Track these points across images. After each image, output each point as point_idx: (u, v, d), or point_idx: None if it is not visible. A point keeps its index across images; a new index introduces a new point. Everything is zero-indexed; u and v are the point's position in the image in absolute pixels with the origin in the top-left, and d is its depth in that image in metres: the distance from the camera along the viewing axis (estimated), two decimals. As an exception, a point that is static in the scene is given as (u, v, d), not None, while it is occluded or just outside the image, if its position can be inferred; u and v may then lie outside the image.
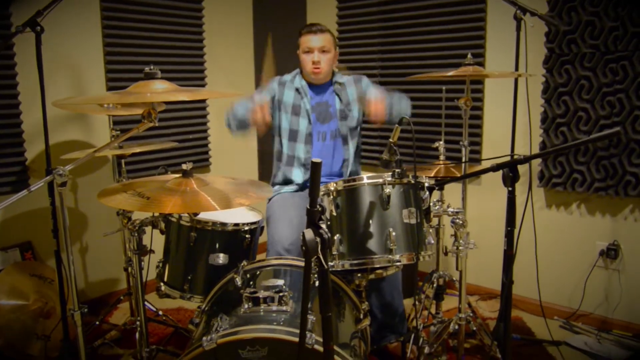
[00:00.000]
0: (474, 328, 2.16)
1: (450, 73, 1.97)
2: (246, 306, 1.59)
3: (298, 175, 2.49)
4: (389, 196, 1.68)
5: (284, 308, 1.58)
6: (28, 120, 2.62)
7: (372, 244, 1.69)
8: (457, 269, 1.97)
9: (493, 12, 2.84)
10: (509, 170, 1.64)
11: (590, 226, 2.67)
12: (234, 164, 3.64)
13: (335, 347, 1.43)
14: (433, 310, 2.50)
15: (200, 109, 3.38)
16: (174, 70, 3.17)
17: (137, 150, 2.33)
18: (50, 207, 2.23)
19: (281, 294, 1.59)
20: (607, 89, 2.46)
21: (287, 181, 2.55)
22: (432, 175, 2.26)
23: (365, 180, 1.71)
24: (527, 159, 1.61)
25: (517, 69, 2.27)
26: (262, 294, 1.60)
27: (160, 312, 2.67)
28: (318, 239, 1.16)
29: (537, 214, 2.70)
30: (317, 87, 2.52)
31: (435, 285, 2.36)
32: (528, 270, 2.32)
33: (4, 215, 2.63)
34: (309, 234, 1.16)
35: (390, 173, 1.70)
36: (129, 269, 2.57)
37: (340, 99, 2.51)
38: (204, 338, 1.44)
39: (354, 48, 3.41)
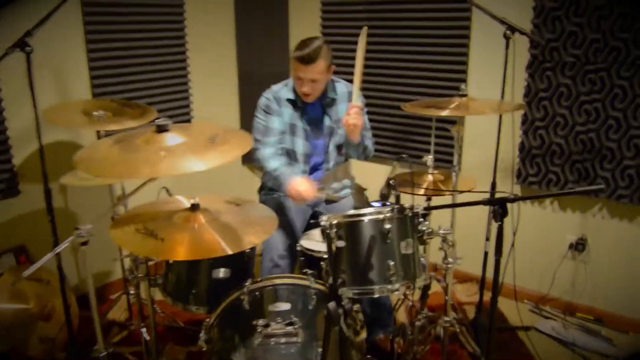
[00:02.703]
0: (457, 330, 2.36)
1: (445, 113, 2.04)
2: (259, 339, 1.71)
3: None
4: (388, 231, 1.79)
5: (294, 339, 1.72)
6: (13, 125, 2.58)
7: (373, 275, 1.81)
8: (445, 281, 2.13)
9: (477, 23, 2.91)
10: (499, 207, 1.77)
11: (561, 221, 2.88)
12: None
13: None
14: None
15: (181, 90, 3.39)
16: (157, 78, 3.18)
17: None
18: (44, 211, 2.27)
19: (291, 328, 1.72)
20: (585, 97, 2.58)
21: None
22: (422, 189, 2.37)
23: (367, 217, 1.81)
24: (517, 199, 1.74)
25: (504, 82, 2.34)
26: (273, 327, 1.72)
27: (158, 309, 2.77)
28: (341, 311, 1.27)
29: (514, 207, 2.87)
30: (310, 103, 2.49)
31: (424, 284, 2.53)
32: (503, 257, 2.50)
33: (-4, 221, 2.65)
34: (332, 305, 1.27)
35: (390, 209, 1.80)
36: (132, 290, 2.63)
37: (329, 116, 2.50)
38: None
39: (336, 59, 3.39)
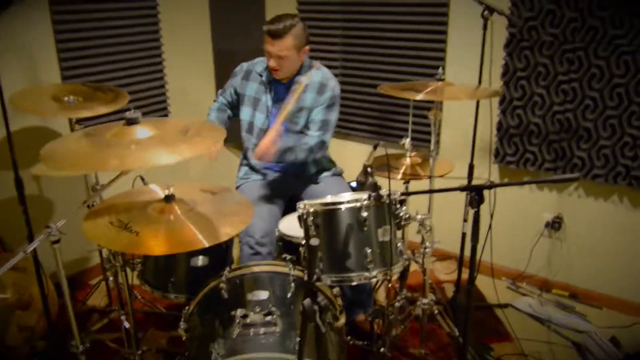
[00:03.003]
0: (436, 311, 2.40)
1: (420, 97, 2.02)
2: (238, 330, 1.71)
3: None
4: (365, 219, 1.79)
5: (273, 329, 1.72)
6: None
7: (351, 263, 1.82)
8: (422, 266, 2.15)
9: (455, 3, 2.90)
10: (476, 194, 1.77)
11: (538, 200, 2.91)
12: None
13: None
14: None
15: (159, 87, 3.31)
16: (129, 58, 3.09)
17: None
18: (17, 199, 2.23)
19: (269, 318, 1.72)
20: (562, 77, 2.58)
21: (254, 168, 2.61)
22: (399, 173, 2.37)
23: (344, 205, 1.80)
24: (492, 186, 1.74)
25: (481, 64, 2.33)
26: (252, 317, 1.72)
27: (139, 295, 2.75)
28: (316, 307, 1.27)
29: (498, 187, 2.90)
30: (283, 83, 2.47)
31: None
32: (481, 236, 2.53)
33: (-33, 210, 2.59)
34: (307, 302, 1.27)
35: (367, 196, 1.80)
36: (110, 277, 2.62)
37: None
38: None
39: (315, 45, 3.25)
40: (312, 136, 2.44)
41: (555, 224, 2.87)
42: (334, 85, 2.46)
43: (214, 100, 2.69)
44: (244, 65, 2.57)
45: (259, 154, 2.24)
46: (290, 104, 2.28)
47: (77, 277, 3.05)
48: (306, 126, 2.47)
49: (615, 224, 2.72)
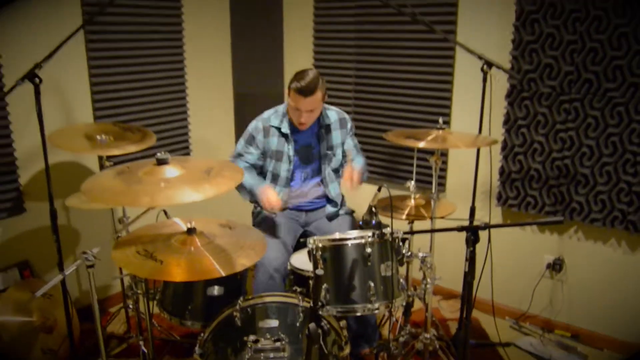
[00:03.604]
0: (437, 346, 2.50)
1: (421, 145, 2.20)
2: (249, 354, 1.85)
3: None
4: (369, 254, 1.94)
5: (281, 354, 1.86)
6: (19, 146, 2.73)
7: (355, 295, 1.96)
8: (424, 302, 2.28)
9: (460, 58, 3.09)
10: (471, 234, 1.92)
11: (539, 242, 3.02)
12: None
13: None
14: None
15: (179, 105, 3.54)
16: (156, 100, 3.33)
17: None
18: (48, 228, 2.38)
19: (279, 344, 1.86)
20: (560, 126, 2.74)
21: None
22: (404, 214, 2.52)
23: (350, 241, 1.96)
24: (487, 227, 1.89)
25: (482, 114, 2.50)
26: (262, 343, 1.86)
27: (155, 323, 2.90)
28: (320, 331, 1.41)
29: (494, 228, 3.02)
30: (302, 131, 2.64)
31: (404, 303, 2.67)
32: (485, 275, 2.64)
33: (1, 237, 2.78)
34: (312, 326, 1.41)
35: (371, 234, 1.95)
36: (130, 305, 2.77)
37: (325, 142, 2.66)
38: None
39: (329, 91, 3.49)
40: (359, 159, 2.72)
41: (556, 266, 2.97)
42: (348, 117, 2.76)
43: (235, 156, 2.73)
44: (259, 125, 2.65)
45: (355, 186, 2.48)
46: None
47: (98, 304, 3.19)
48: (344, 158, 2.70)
49: (614, 267, 2.81)
